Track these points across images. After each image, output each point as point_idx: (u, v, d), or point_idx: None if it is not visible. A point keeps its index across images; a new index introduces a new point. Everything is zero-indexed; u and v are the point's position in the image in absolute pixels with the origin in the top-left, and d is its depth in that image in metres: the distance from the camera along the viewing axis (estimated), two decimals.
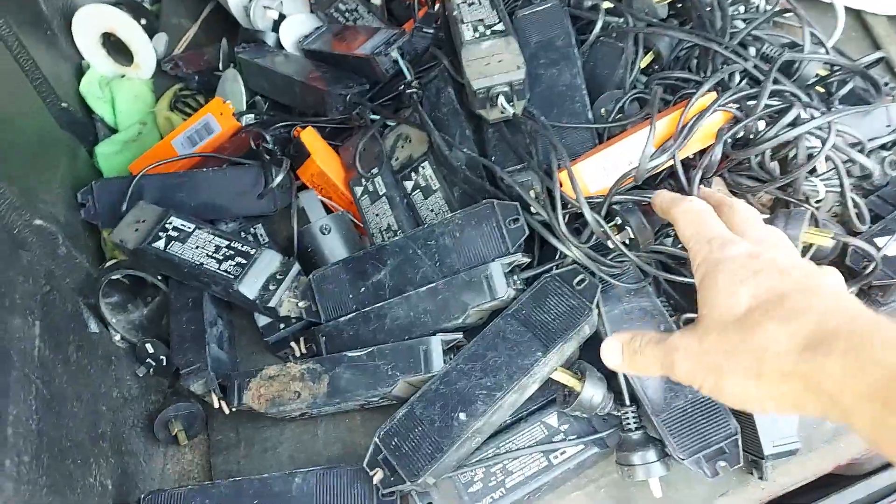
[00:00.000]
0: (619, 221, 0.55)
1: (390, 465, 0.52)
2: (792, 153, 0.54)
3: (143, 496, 0.56)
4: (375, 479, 0.52)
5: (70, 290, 0.64)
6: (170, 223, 0.67)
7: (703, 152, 0.57)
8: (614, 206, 0.55)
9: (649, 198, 0.55)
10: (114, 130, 0.88)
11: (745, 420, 0.52)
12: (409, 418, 0.53)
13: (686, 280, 0.57)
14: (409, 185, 0.70)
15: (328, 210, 0.74)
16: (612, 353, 0.43)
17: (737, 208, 0.44)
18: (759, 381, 0.33)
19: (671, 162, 0.55)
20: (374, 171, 0.70)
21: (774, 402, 0.34)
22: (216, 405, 0.62)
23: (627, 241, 0.55)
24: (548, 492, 0.55)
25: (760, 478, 0.53)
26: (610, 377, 0.55)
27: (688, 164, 0.58)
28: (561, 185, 0.55)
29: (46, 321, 0.56)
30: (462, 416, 0.52)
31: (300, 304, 0.65)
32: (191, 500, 0.55)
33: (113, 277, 0.70)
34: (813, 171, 0.55)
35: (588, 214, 0.54)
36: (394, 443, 0.53)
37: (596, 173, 0.56)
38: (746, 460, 0.53)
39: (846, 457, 0.56)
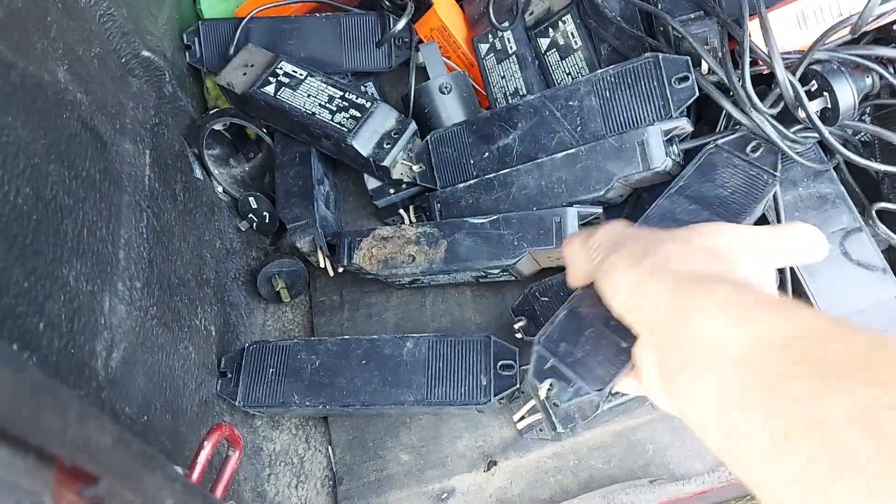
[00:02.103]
0: (816, 86, 0.45)
1: (559, 373, 0.38)
2: None
3: (248, 345, 0.53)
4: (548, 393, 0.37)
5: (176, 131, 0.61)
6: (280, 68, 0.62)
7: None
8: (814, 66, 0.45)
9: (861, 57, 0.45)
10: None
11: None
12: (573, 319, 0.40)
13: (876, 167, 0.47)
14: (543, 43, 0.61)
15: None
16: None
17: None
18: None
19: None
20: (506, 24, 0.61)
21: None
22: (322, 264, 0.58)
23: (821, 112, 0.46)
24: None
25: None
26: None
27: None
28: (749, 37, 0.45)
29: (156, 153, 0.53)
30: None
31: (414, 167, 0.59)
32: (296, 354, 0.52)
33: (215, 128, 0.67)
34: None
35: (780, 74, 0.44)
36: (561, 348, 0.39)
37: (795, 25, 0.46)
38: None
39: None
